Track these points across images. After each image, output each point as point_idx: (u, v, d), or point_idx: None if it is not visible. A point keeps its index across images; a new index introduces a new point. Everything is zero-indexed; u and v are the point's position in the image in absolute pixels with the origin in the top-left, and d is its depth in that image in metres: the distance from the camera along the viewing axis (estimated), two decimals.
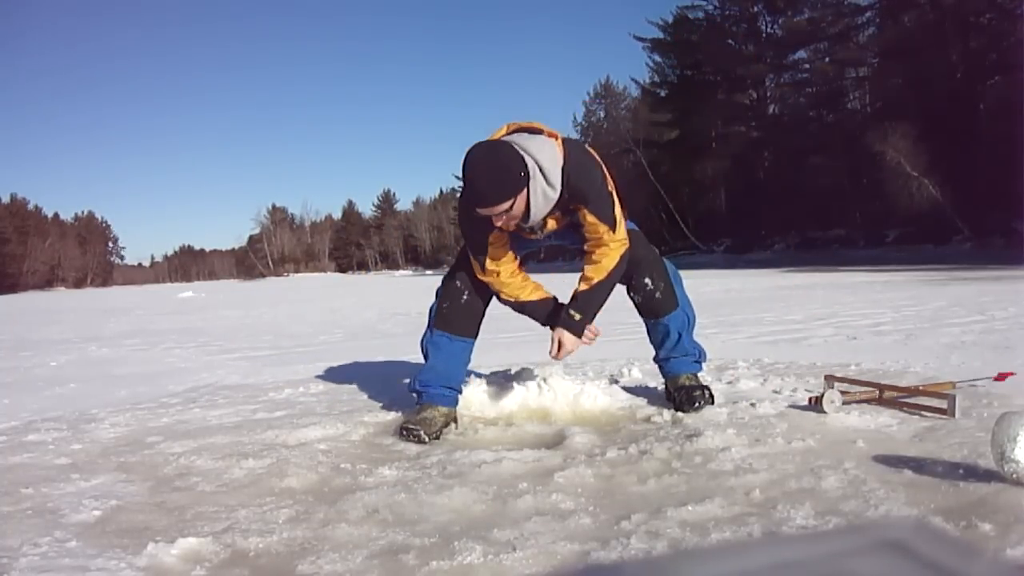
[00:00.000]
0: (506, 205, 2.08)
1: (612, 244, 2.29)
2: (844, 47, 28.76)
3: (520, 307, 2.40)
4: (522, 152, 2.09)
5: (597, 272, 2.31)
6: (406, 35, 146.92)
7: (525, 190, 2.10)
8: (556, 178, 2.14)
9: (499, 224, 2.19)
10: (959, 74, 24.13)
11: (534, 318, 2.42)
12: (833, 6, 29.02)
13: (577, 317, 2.31)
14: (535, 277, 2.46)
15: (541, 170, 2.11)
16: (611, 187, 2.28)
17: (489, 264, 2.33)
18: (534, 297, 2.39)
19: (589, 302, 2.32)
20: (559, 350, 2.32)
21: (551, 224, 2.30)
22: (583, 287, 2.32)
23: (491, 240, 2.30)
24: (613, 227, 2.27)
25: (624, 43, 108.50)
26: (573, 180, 2.17)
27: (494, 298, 2.45)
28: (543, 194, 2.14)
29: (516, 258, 2.40)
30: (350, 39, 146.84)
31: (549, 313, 2.39)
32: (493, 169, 2.07)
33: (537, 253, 2.61)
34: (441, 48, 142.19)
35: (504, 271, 2.35)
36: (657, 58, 37.89)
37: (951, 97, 23.26)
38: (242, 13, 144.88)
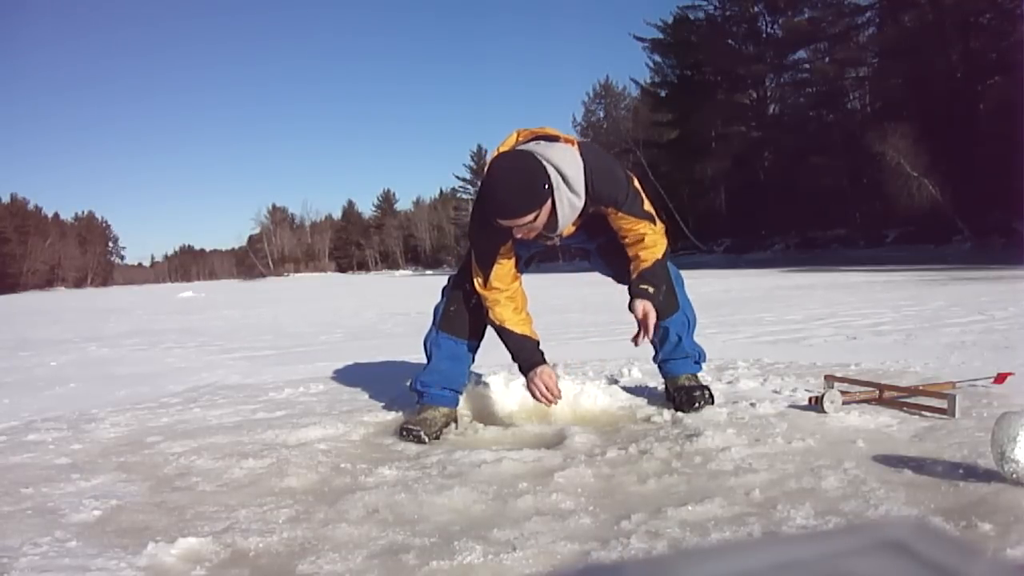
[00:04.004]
0: (530, 217, 2.06)
1: (655, 235, 2.26)
2: (844, 47, 28.80)
3: (502, 332, 2.34)
4: (545, 162, 2.07)
5: (652, 253, 2.25)
6: (407, 34, 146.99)
7: (549, 201, 2.08)
8: (580, 186, 2.12)
9: (520, 235, 2.16)
10: (959, 74, 24.16)
11: (509, 348, 2.35)
12: (833, 6, 29.06)
13: (650, 289, 2.23)
14: (541, 276, 2.45)
15: (565, 179, 2.09)
16: (636, 184, 2.27)
17: (493, 280, 2.30)
18: (518, 330, 2.32)
19: (655, 276, 2.25)
20: (646, 319, 2.19)
21: (568, 230, 2.27)
22: (644, 265, 2.24)
23: (500, 254, 2.27)
24: (652, 220, 2.26)
25: (624, 43, 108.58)
26: (598, 186, 2.15)
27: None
28: (569, 204, 2.12)
29: (518, 277, 2.37)
30: (350, 38, 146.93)
31: (525, 352, 2.31)
32: (518, 181, 2.05)
33: (543, 252, 2.60)
34: (441, 47, 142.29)
35: (504, 291, 2.32)
36: (657, 58, 37.99)
37: (951, 97, 23.28)
38: (242, 11, 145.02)
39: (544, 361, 2.31)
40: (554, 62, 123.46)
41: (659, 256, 2.27)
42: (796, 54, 31.76)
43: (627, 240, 2.28)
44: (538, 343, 2.35)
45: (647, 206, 2.27)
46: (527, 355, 2.32)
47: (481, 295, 2.34)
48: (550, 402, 2.29)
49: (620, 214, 2.21)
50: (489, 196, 2.10)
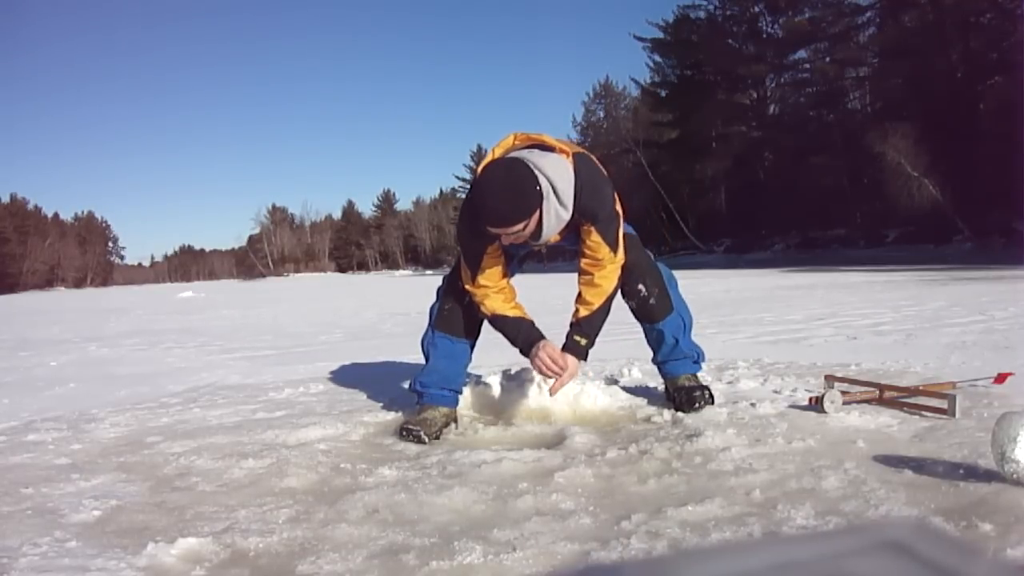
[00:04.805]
0: (519, 226, 2.08)
1: (611, 266, 2.29)
2: (844, 47, 28.81)
3: (496, 320, 2.36)
4: (537, 172, 2.08)
5: (597, 296, 2.30)
6: (407, 34, 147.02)
7: (538, 210, 2.10)
8: (569, 200, 2.13)
9: (507, 242, 2.18)
10: (959, 74, 24.16)
11: (507, 334, 2.36)
12: (833, 6, 29.07)
13: (583, 342, 2.31)
14: (534, 277, 2.46)
15: (555, 191, 2.10)
16: (618, 207, 2.28)
17: (480, 278, 2.32)
18: (511, 314, 2.34)
19: (592, 325, 2.32)
20: (563, 373, 2.27)
21: (554, 238, 2.29)
22: (584, 312, 2.31)
23: (488, 253, 2.28)
24: (615, 249, 2.27)
25: (624, 43, 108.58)
26: (584, 200, 2.16)
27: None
28: (556, 215, 2.13)
29: (506, 275, 2.38)
30: (350, 38, 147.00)
31: (523, 333, 2.33)
32: (509, 190, 2.06)
33: (536, 254, 2.61)
34: (441, 47, 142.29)
35: (492, 287, 2.33)
36: (657, 58, 37.99)
37: (951, 97, 23.28)
38: (242, 10, 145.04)
39: (543, 336, 2.31)
40: (554, 62, 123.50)
41: (602, 301, 2.31)
42: (796, 54, 31.78)
43: (584, 259, 2.30)
44: (533, 323, 2.36)
45: (619, 232, 2.29)
46: (525, 334, 2.32)
47: (470, 292, 2.36)
48: (557, 374, 2.28)
49: (591, 229, 2.23)
50: (479, 202, 2.11)
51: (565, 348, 2.31)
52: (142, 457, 2.20)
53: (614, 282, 2.32)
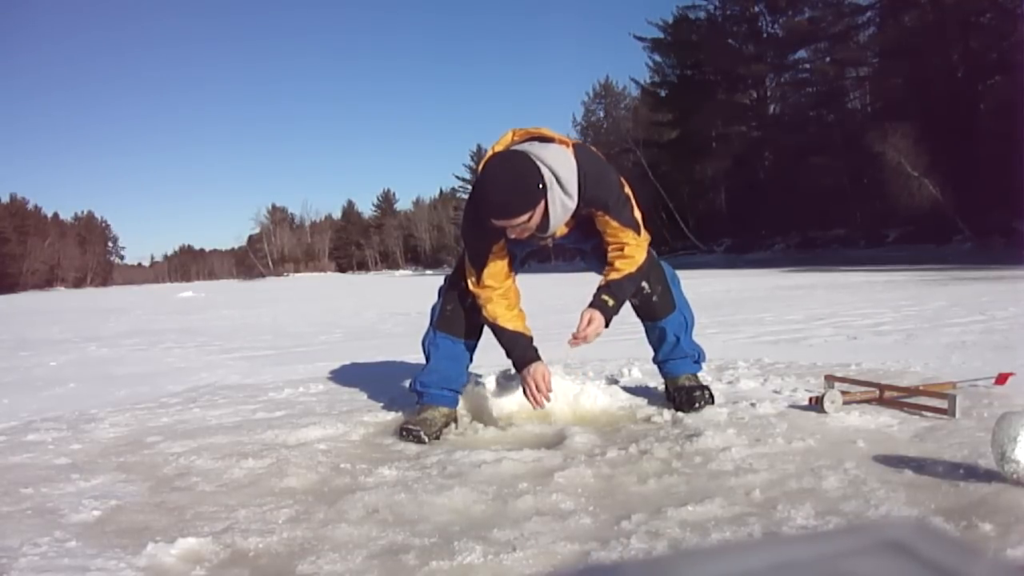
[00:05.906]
0: (524, 217, 2.07)
1: (637, 247, 2.28)
2: (844, 47, 28.81)
3: (495, 329, 2.35)
4: (539, 163, 2.07)
5: (628, 264, 2.28)
6: (406, 34, 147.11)
7: (543, 201, 2.09)
8: (573, 188, 2.13)
9: (513, 235, 2.17)
10: (959, 74, 24.16)
11: (503, 345, 2.35)
12: (833, 6, 29.08)
13: (611, 302, 2.27)
14: (536, 277, 2.45)
15: (558, 181, 2.10)
16: (627, 189, 2.28)
17: (485, 279, 2.31)
18: (510, 326, 2.32)
19: (621, 288, 2.29)
20: (588, 326, 2.22)
21: (561, 230, 2.28)
22: (615, 276, 2.29)
23: (493, 252, 2.28)
24: (637, 230, 2.27)
25: (624, 43, 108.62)
26: (590, 189, 2.16)
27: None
28: (561, 205, 2.13)
29: (511, 274, 2.38)
30: (350, 37, 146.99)
31: (518, 349, 2.31)
32: (512, 181, 2.06)
33: (537, 252, 2.61)
34: (441, 47, 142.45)
35: (497, 288, 2.32)
36: (657, 58, 37.98)
37: (951, 97, 23.28)
38: (242, 10, 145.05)
39: (538, 357, 2.31)
40: (554, 62, 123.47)
41: (632, 270, 2.29)
42: (796, 54, 31.80)
43: (609, 246, 2.30)
44: (531, 339, 2.35)
45: (635, 213, 2.28)
46: (520, 352, 2.32)
47: (474, 293, 2.35)
48: (538, 403, 2.28)
49: (607, 218, 2.22)
50: (483, 196, 2.10)
51: (592, 306, 2.27)
52: (142, 457, 2.20)
53: (644, 255, 2.31)
